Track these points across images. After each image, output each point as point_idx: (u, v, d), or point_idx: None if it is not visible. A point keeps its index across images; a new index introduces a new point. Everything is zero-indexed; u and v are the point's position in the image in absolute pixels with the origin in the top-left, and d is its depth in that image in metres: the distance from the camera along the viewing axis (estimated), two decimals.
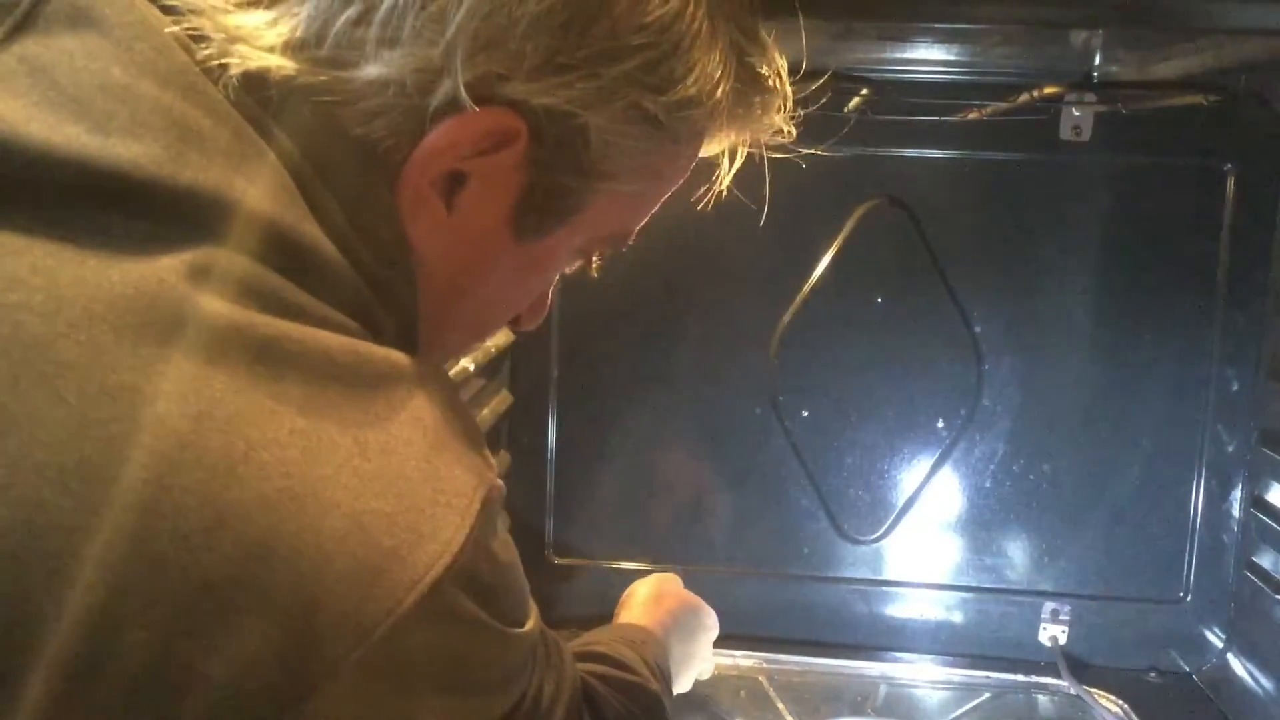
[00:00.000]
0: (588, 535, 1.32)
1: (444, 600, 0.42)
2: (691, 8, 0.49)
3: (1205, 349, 1.22)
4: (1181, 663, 1.26)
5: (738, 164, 0.63)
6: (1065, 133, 1.18)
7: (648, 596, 1.03)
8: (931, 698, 1.24)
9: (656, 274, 1.25)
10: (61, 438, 0.35)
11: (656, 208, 0.60)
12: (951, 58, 1.08)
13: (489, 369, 1.22)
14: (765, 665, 1.26)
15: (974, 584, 1.29)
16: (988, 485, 1.27)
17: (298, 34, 0.44)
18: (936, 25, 0.87)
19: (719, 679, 1.19)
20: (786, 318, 1.25)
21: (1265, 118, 1.16)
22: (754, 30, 0.55)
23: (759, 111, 0.58)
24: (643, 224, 0.61)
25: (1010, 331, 1.24)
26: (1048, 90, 1.14)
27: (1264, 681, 1.17)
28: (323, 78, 0.45)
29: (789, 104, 0.59)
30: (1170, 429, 1.23)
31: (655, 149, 0.53)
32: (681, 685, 1.01)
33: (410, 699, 0.43)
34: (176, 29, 0.44)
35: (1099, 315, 1.23)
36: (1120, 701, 1.19)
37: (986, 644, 1.29)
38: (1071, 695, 1.22)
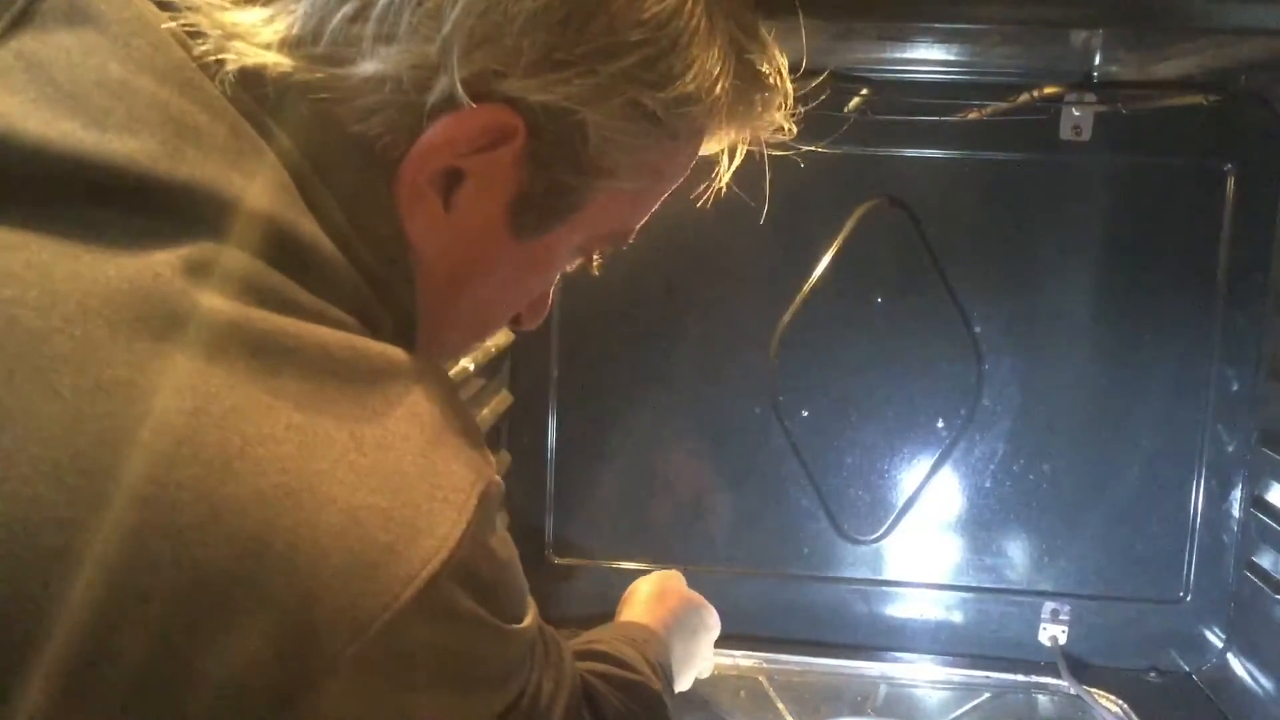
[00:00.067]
0: (588, 535, 1.32)
1: (441, 596, 0.42)
2: (690, 4, 0.49)
3: (1205, 349, 1.21)
4: (1181, 663, 1.26)
5: (737, 161, 0.63)
6: (1065, 133, 1.18)
7: (650, 594, 1.03)
8: (931, 698, 1.24)
9: (656, 274, 1.25)
10: (56, 433, 0.35)
11: (657, 206, 0.60)
12: (951, 58, 1.08)
13: (489, 369, 1.22)
14: (765, 665, 1.26)
15: (974, 584, 1.29)
16: (988, 485, 1.27)
17: (294, 31, 0.44)
18: (936, 25, 0.87)
19: (719, 679, 1.19)
20: (786, 318, 1.25)
21: (1265, 118, 1.16)
22: (753, 27, 0.55)
23: (759, 109, 0.58)
24: (643, 222, 0.61)
25: (1010, 331, 1.24)
26: (1048, 90, 1.14)
27: (1264, 681, 1.17)
28: (319, 75, 0.45)
29: (789, 101, 0.59)
30: (1170, 429, 1.23)
31: (654, 146, 0.53)
32: (682, 684, 1.01)
33: (408, 695, 0.43)
34: (173, 25, 0.44)
35: (1099, 315, 1.23)
36: (1120, 701, 1.19)
37: (986, 644, 1.29)
38: (1071, 695, 1.22)
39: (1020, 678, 1.25)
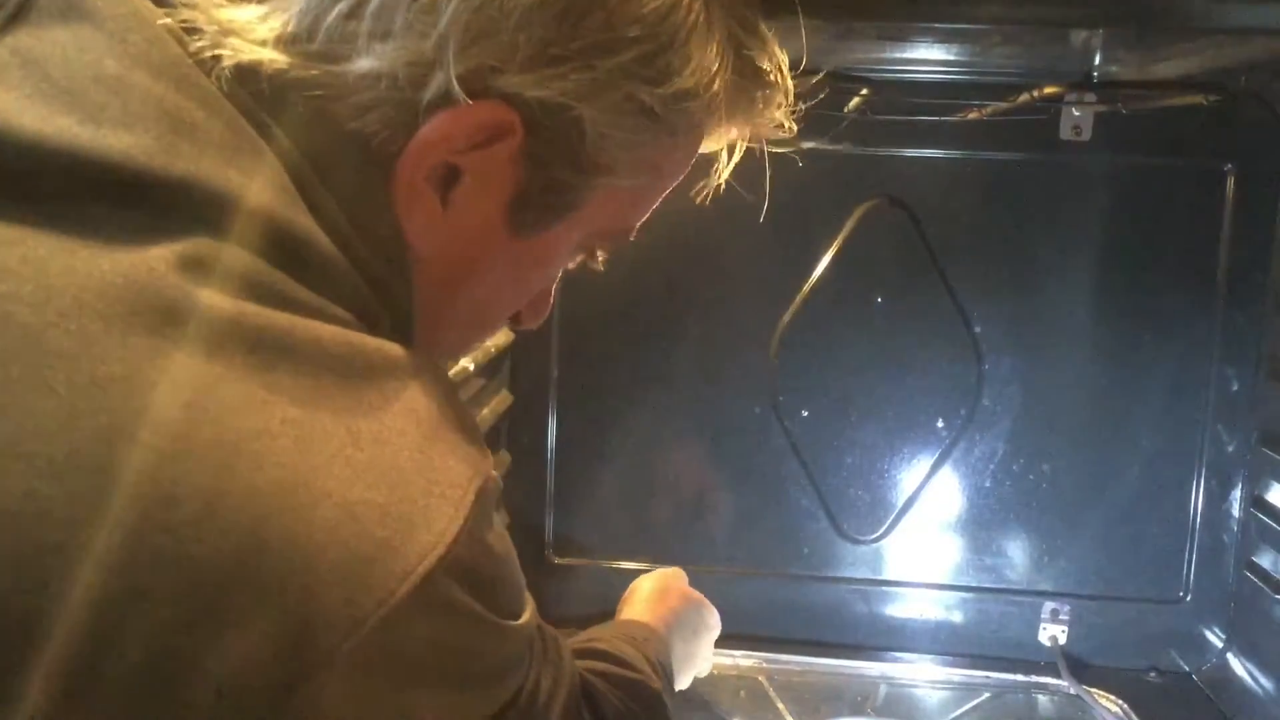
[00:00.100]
0: (588, 535, 1.32)
1: (438, 591, 0.42)
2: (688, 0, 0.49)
3: (1205, 349, 1.21)
4: (1181, 663, 1.26)
5: (736, 157, 0.63)
6: (1065, 133, 1.18)
7: (652, 591, 1.02)
8: (931, 698, 1.24)
9: (656, 274, 1.25)
10: (51, 428, 0.35)
11: (657, 204, 0.60)
12: (951, 58, 1.08)
13: (489, 369, 1.22)
14: (765, 665, 1.26)
15: (974, 584, 1.29)
16: (987, 485, 1.27)
17: (289, 28, 0.44)
18: (936, 25, 0.87)
19: (719, 679, 1.19)
20: (786, 318, 1.25)
21: (1265, 118, 1.15)
22: (753, 24, 0.55)
23: (759, 105, 0.57)
24: (643, 221, 0.60)
25: (1010, 331, 1.24)
26: (1048, 90, 1.14)
27: (1264, 681, 1.17)
28: (314, 72, 0.45)
29: (790, 98, 0.59)
30: (1170, 429, 1.23)
31: (652, 142, 0.53)
32: (682, 683, 1.01)
33: (405, 691, 0.43)
34: (169, 21, 0.44)
35: (1099, 315, 1.23)
36: (1120, 701, 1.19)
37: (986, 644, 1.29)
38: (1071, 695, 1.21)
39: (1020, 678, 1.25)
